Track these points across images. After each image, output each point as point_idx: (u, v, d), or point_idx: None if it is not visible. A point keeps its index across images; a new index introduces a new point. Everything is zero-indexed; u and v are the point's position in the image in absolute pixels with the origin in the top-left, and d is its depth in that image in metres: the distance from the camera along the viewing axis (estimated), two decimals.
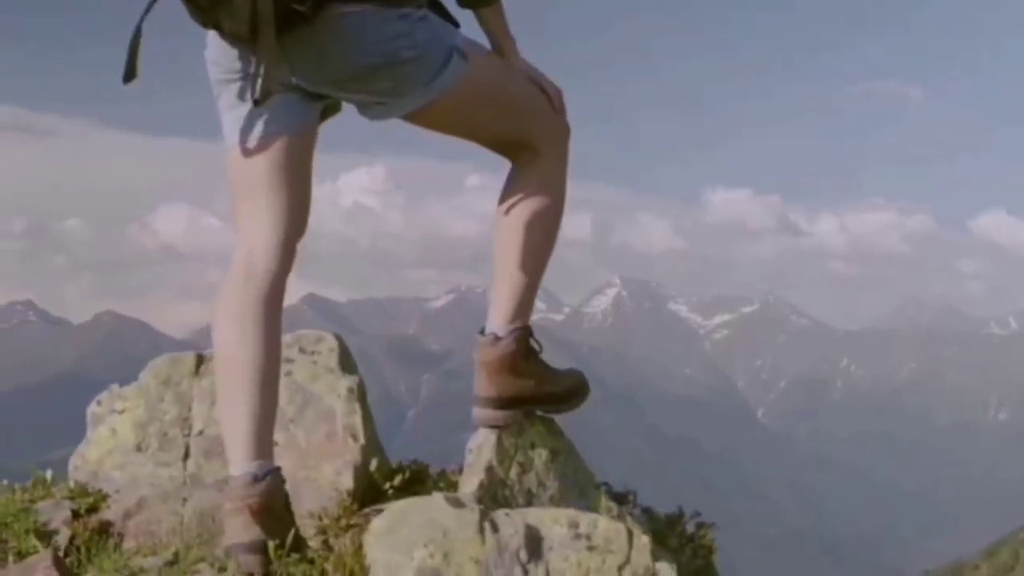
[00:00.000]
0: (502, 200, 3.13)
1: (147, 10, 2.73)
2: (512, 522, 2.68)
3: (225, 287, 2.87)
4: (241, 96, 2.83)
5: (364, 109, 2.94)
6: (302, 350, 3.60)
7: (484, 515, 2.67)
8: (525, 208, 3.09)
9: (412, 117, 2.94)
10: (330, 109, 2.97)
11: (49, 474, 3.42)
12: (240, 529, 2.71)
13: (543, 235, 3.12)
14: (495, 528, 2.65)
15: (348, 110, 3.01)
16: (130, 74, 2.76)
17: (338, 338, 3.69)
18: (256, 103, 2.75)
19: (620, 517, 3.28)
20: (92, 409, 3.56)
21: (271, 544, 2.67)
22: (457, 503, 2.71)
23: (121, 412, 3.51)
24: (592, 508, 3.21)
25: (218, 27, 2.75)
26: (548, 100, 3.10)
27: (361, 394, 3.52)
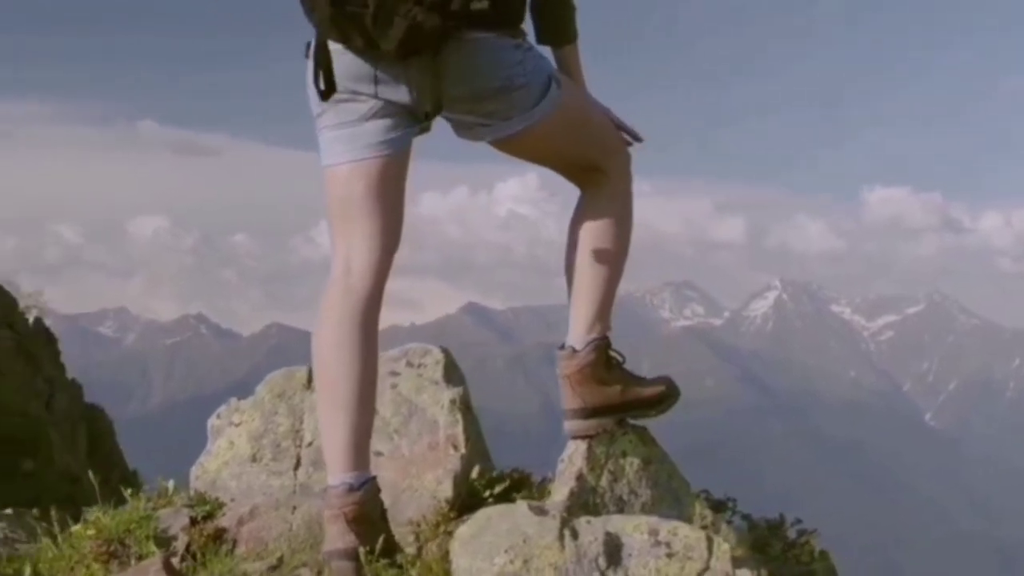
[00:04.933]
0: (575, 221, 3.28)
1: (323, 27, 2.88)
2: (592, 529, 2.76)
3: (324, 303, 3.02)
4: (349, 116, 2.96)
5: (462, 129, 3.09)
6: (409, 363, 3.74)
7: (565, 522, 2.76)
8: (598, 228, 3.24)
9: (503, 141, 3.09)
10: (422, 130, 3.11)
11: (171, 483, 3.63)
12: (336, 536, 2.86)
13: (615, 252, 3.26)
14: (575, 535, 2.73)
15: None
16: (330, 89, 2.93)
17: (444, 351, 3.81)
18: (427, 116, 2.95)
19: (714, 525, 3.33)
20: (212, 422, 3.76)
21: (362, 550, 2.81)
22: (540, 511, 2.80)
23: (238, 425, 3.71)
24: (685, 516, 3.26)
25: (369, 43, 2.82)
26: (616, 128, 3.27)
27: (464, 405, 3.63)
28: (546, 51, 3.18)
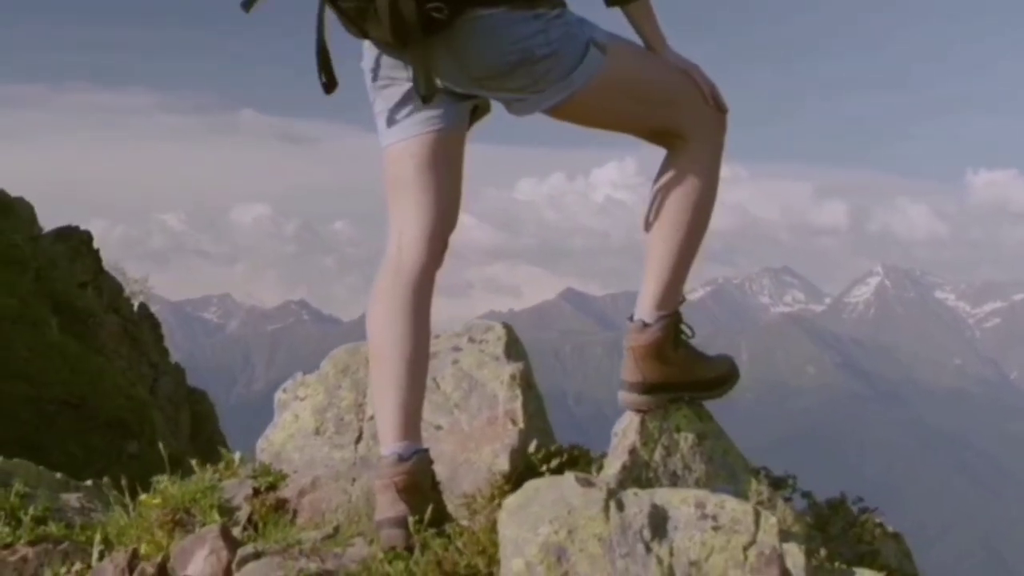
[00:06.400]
0: (653, 187, 3.19)
1: (321, 25, 2.97)
2: (638, 501, 2.76)
3: (377, 280, 3.07)
4: (393, 100, 3.03)
5: (509, 106, 3.08)
6: (471, 339, 3.77)
7: (611, 494, 2.76)
8: (674, 196, 3.13)
9: (555, 112, 3.04)
10: (480, 109, 3.12)
11: (237, 455, 3.73)
12: (387, 505, 2.91)
13: (692, 223, 3.14)
14: (620, 507, 2.74)
15: None
16: (331, 85, 3.01)
17: (506, 327, 3.83)
18: (424, 100, 2.92)
19: (770, 501, 3.31)
20: (279, 396, 3.84)
21: (411, 519, 2.85)
22: (586, 483, 2.80)
23: (303, 399, 3.78)
24: (741, 492, 3.25)
25: (367, 35, 2.94)
26: (698, 90, 3.11)
27: (525, 381, 3.65)
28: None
